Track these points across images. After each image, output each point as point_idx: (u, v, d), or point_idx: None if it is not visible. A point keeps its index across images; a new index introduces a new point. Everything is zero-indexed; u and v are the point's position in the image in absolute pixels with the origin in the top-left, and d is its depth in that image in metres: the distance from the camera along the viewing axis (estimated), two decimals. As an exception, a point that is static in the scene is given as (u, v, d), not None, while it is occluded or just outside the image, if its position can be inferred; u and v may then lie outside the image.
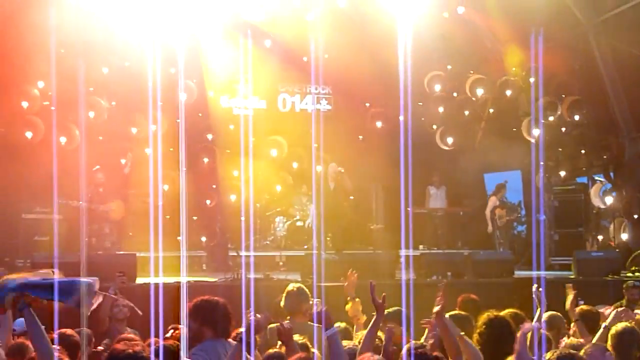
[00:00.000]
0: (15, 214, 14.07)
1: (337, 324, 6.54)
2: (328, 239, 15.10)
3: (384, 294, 5.01)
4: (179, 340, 5.56)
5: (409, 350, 4.70)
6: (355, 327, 7.16)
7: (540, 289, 6.14)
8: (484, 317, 6.30)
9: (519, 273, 13.03)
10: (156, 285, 8.38)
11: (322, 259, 11.94)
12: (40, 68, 13.88)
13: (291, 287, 7.03)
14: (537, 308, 6.03)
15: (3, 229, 13.96)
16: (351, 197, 15.10)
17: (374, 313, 5.86)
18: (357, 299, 7.21)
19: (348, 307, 7.20)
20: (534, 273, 12.59)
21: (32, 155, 13.89)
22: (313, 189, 15.44)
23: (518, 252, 15.22)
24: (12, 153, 14.09)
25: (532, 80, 15.66)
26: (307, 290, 6.96)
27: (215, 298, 5.84)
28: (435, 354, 4.31)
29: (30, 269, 11.03)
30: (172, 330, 7.03)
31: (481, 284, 11.09)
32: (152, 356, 4.13)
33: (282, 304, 6.98)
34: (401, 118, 15.26)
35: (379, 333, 5.93)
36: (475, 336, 5.72)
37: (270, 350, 5.57)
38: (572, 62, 15.75)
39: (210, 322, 5.68)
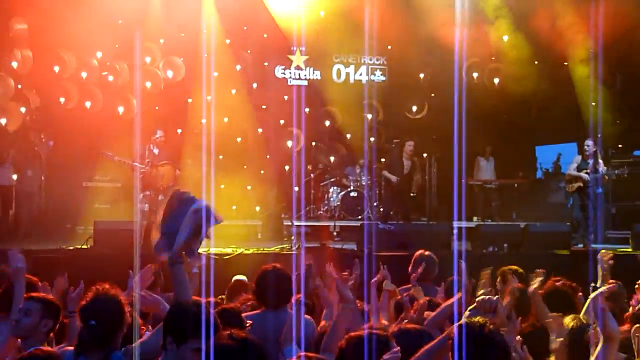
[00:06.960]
0: (76, 182, 14.41)
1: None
2: (381, 209, 15.20)
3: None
4: (241, 305, 5.67)
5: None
6: None
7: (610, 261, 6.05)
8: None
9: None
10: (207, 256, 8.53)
11: (375, 229, 12.00)
12: (99, 39, 14.12)
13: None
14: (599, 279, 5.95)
15: (65, 196, 14.28)
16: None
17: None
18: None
19: None
20: (591, 246, 12.54)
21: (92, 124, 14.21)
22: (365, 160, 15.48)
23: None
24: (73, 123, 14.38)
25: (590, 51, 15.37)
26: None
27: (269, 267, 5.77)
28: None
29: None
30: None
31: (538, 256, 11.01)
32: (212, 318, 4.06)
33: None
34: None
35: None
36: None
37: None
38: (632, 33, 15.39)
39: (262, 292, 5.66)
